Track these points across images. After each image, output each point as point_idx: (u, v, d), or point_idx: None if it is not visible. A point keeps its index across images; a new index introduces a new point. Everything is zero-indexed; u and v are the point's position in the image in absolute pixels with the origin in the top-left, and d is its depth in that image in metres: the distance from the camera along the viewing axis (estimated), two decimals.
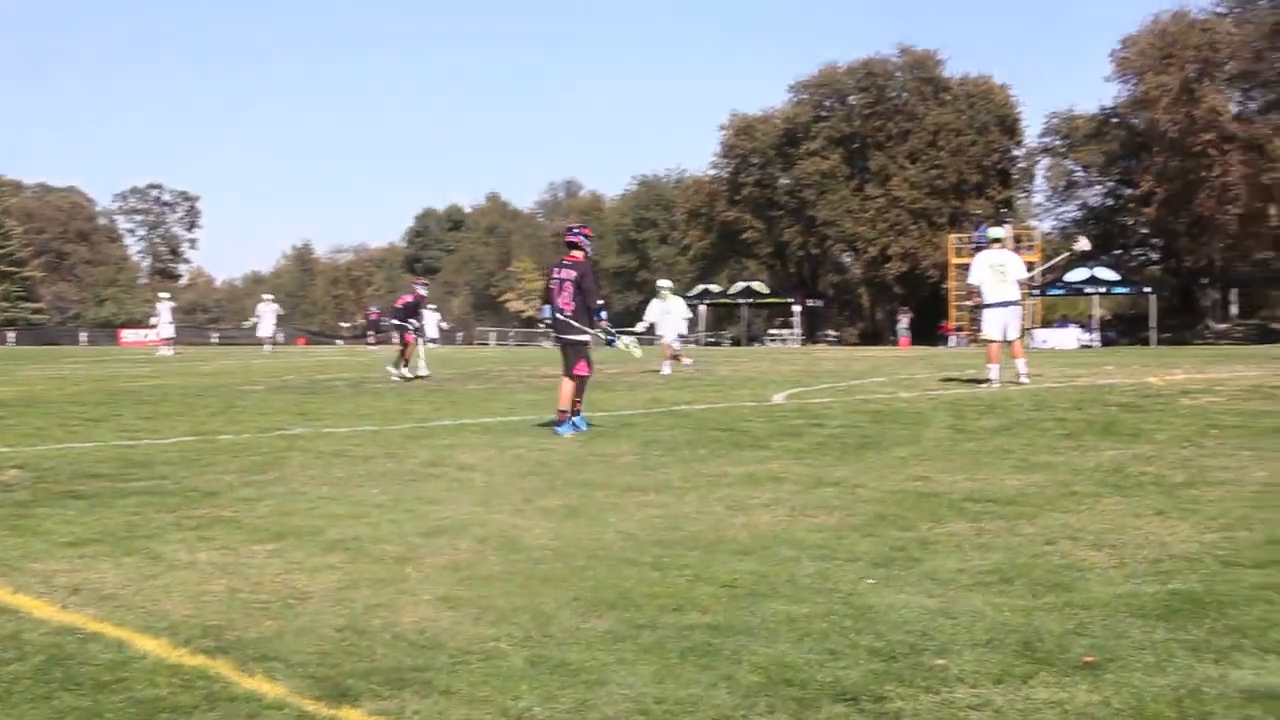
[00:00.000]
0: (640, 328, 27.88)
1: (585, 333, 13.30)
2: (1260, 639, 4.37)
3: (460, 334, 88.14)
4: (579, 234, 13.70)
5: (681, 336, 28.56)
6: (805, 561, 5.94)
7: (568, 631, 4.78)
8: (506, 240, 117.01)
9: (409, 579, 5.76)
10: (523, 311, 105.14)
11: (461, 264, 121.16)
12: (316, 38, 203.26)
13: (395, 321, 26.71)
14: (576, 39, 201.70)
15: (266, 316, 49.99)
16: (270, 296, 53.64)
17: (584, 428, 12.81)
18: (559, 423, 12.84)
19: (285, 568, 6.03)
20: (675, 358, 27.06)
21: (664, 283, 29.36)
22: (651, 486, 8.61)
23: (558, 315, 13.27)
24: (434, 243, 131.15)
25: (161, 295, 55.20)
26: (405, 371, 25.42)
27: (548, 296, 13.43)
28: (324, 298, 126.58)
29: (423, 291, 27.95)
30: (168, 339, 49.64)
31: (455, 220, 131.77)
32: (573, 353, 13.27)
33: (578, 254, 13.45)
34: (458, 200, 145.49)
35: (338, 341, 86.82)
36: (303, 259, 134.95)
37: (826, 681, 4.06)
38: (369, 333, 63.30)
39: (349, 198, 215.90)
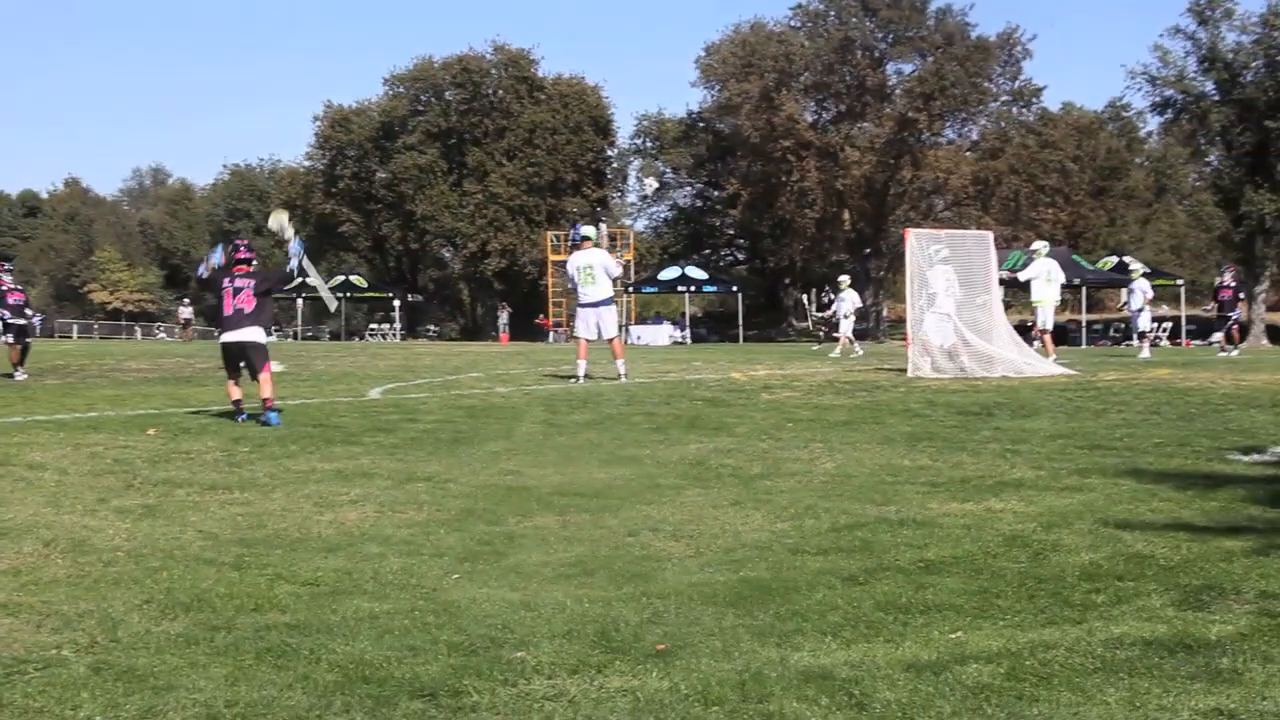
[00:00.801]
0: None
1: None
2: (819, 622, 4.60)
3: (39, 326, 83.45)
4: (247, 250, 13.76)
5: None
6: (391, 558, 5.89)
7: (137, 636, 4.57)
8: (89, 229, 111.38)
9: None
10: (108, 303, 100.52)
11: (39, 252, 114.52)
12: None
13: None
14: (164, 15, 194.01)
15: None
16: None
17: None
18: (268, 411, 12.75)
19: None
20: None
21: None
22: (237, 484, 8.37)
23: (242, 313, 13.15)
24: (7, 229, 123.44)
25: None
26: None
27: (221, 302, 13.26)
28: None
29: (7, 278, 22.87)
30: None
31: (30, 206, 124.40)
32: (260, 352, 13.32)
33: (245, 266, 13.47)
34: (32, 185, 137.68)
35: None
36: None
37: (405, 678, 4.03)
38: None
39: None
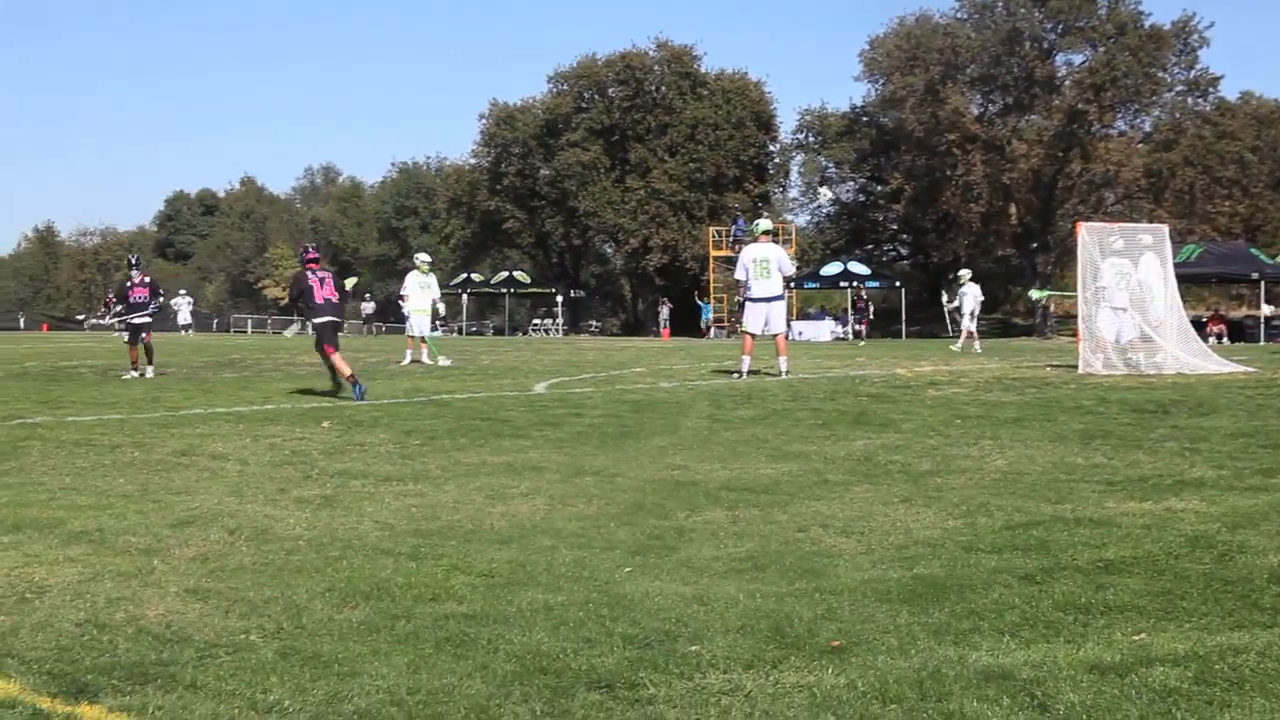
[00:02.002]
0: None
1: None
2: (997, 621, 4.53)
3: (216, 321, 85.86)
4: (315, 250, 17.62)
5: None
6: (563, 550, 5.95)
7: (321, 623, 4.69)
8: (263, 226, 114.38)
9: (156, 571, 5.58)
10: (280, 299, 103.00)
11: (216, 249, 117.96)
12: (47, 11, 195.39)
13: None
14: (333, 18, 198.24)
15: (183, 308, 50.36)
16: None
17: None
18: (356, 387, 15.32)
19: (21, 560, 5.78)
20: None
21: (422, 256, 28.48)
22: (410, 476, 8.52)
23: (331, 302, 16.65)
24: (186, 227, 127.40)
25: None
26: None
27: (312, 294, 16.52)
28: (69, 282, 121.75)
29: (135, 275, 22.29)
30: None
31: (208, 205, 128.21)
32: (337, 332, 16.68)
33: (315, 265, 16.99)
34: (210, 184, 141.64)
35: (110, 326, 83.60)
36: (45, 241, 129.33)
37: (581, 669, 4.07)
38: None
39: (93, 179, 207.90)
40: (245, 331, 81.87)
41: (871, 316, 58.35)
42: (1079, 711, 3.58)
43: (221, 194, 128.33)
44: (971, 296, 34.49)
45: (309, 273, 16.82)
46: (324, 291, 16.62)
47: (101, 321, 63.48)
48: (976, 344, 33.62)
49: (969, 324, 33.97)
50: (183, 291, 59.55)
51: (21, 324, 60.94)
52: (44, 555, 5.89)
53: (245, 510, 7.16)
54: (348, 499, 7.57)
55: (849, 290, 58.71)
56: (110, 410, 13.74)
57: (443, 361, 24.45)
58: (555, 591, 5.14)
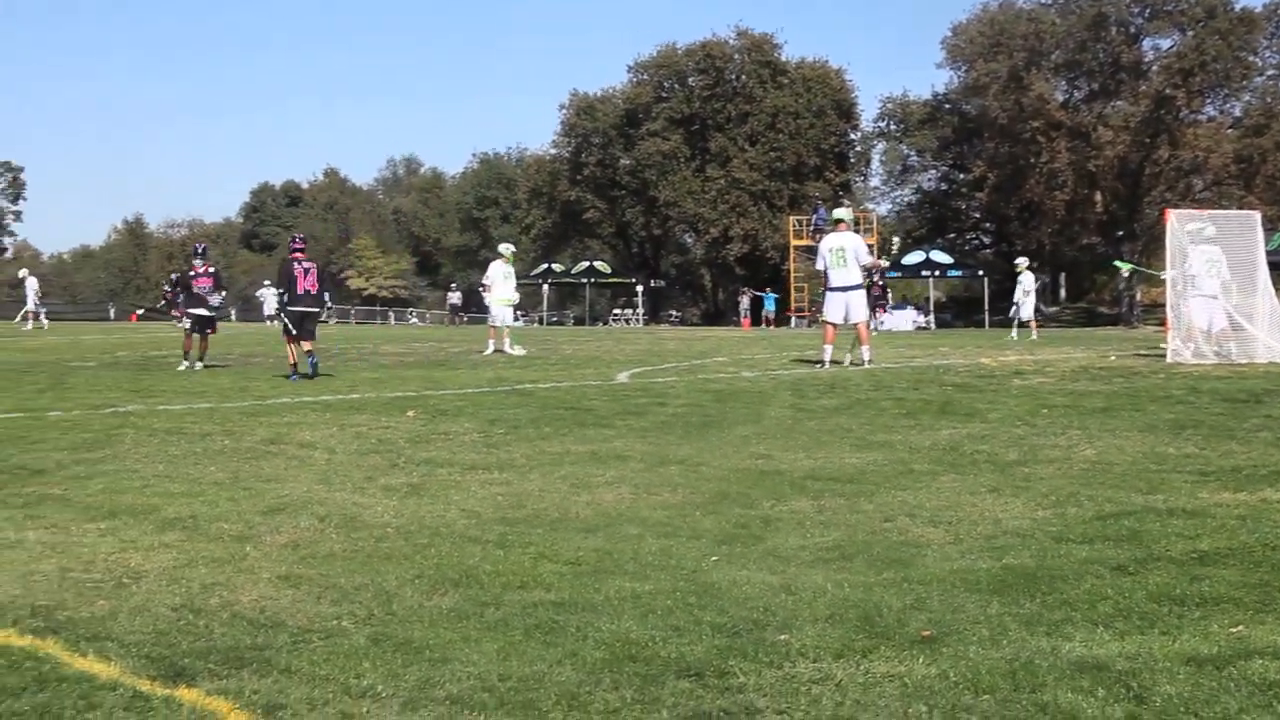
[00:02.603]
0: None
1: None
2: (1090, 612, 4.49)
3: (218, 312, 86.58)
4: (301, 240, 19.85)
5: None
6: (649, 539, 5.96)
7: (411, 609, 4.73)
8: (346, 217, 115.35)
9: (248, 557, 5.66)
10: (363, 289, 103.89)
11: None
12: (146, 5, 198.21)
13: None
14: (415, 9, 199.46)
15: (269, 299, 53.35)
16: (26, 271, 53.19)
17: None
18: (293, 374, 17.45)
19: (118, 546, 5.88)
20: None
21: (507, 246, 28.38)
22: (495, 465, 8.57)
23: (310, 294, 18.49)
24: (271, 219, 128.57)
25: (23, 272, 53.79)
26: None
27: (295, 284, 18.38)
28: (158, 273, 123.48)
29: (198, 263, 21.56)
30: (36, 312, 47.97)
31: (293, 196, 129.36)
32: (315, 322, 19.02)
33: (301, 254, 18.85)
34: (295, 176, 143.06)
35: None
36: (135, 233, 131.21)
37: (671, 657, 4.08)
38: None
39: (181, 171, 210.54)
40: (327, 321, 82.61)
41: (888, 305, 51.58)
42: (1176, 704, 3.53)
43: (305, 185, 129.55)
44: (1025, 286, 34.48)
45: (295, 262, 18.58)
46: (306, 282, 18.34)
47: (157, 308, 63.98)
48: (1034, 332, 33.42)
49: (1025, 313, 33.93)
50: (268, 283, 60.17)
51: (112, 314, 61.86)
52: (140, 541, 6.00)
53: (334, 498, 7.24)
54: (434, 487, 7.63)
55: (930, 279, 58.15)
56: (199, 399, 13.93)
57: (517, 351, 24.48)
58: (642, 580, 5.15)
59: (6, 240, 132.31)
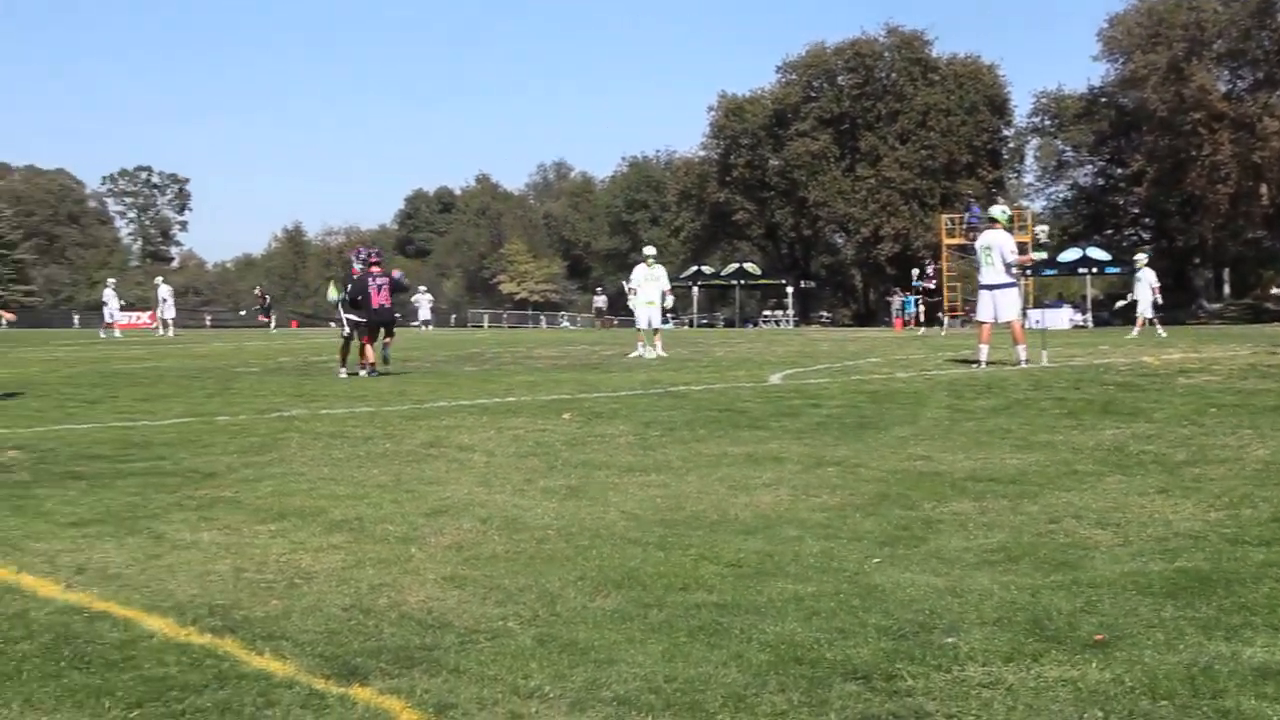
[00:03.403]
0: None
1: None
2: (1270, 616, 4.36)
3: (454, 316, 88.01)
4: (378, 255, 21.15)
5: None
6: (809, 541, 5.93)
7: (575, 610, 4.77)
8: (498, 222, 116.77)
9: (413, 559, 5.75)
10: (515, 294, 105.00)
11: (453, 246, 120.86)
12: (302, 18, 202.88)
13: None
14: (565, 19, 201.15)
15: (423, 304, 56.54)
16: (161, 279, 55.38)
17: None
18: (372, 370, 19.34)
19: (289, 547, 6.02)
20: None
21: (649, 249, 28.38)
22: (652, 466, 8.60)
23: (385, 308, 20.05)
24: (425, 225, 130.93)
25: (158, 280, 55.87)
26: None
27: (370, 299, 19.74)
28: (316, 279, 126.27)
29: (358, 267, 21.27)
30: (169, 320, 49.70)
31: (445, 202, 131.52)
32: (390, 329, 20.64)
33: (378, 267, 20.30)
34: (447, 182, 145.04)
35: (331, 324, 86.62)
36: (294, 241, 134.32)
37: (837, 660, 4.06)
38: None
39: (339, 180, 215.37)
40: (482, 326, 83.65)
41: (935, 303, 46.60)
42: None
43: (458, 191, 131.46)
44: (1146, 283, 33.77)
45: (370, 277, 19.91)
46: (380, 297, 19.84)
47: (257, 310, 64.98)
48: (1159, 329, 32.66)
49: (1146, 310, 33.24)
50: (423, 288, 61.44)
51: (273, 322, 63.50)
52: (308, 542, 6.13)
53: (494, 500, 7.32)
54: (593, 489, 7.68)
55: (1087, 276, 57.03)
56: (360, 403, 14.19)
57: (649, 354, 24.47)
58: (804, 582, 5.13)
59: (174, 250, 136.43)
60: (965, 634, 4.29)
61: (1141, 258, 35.85)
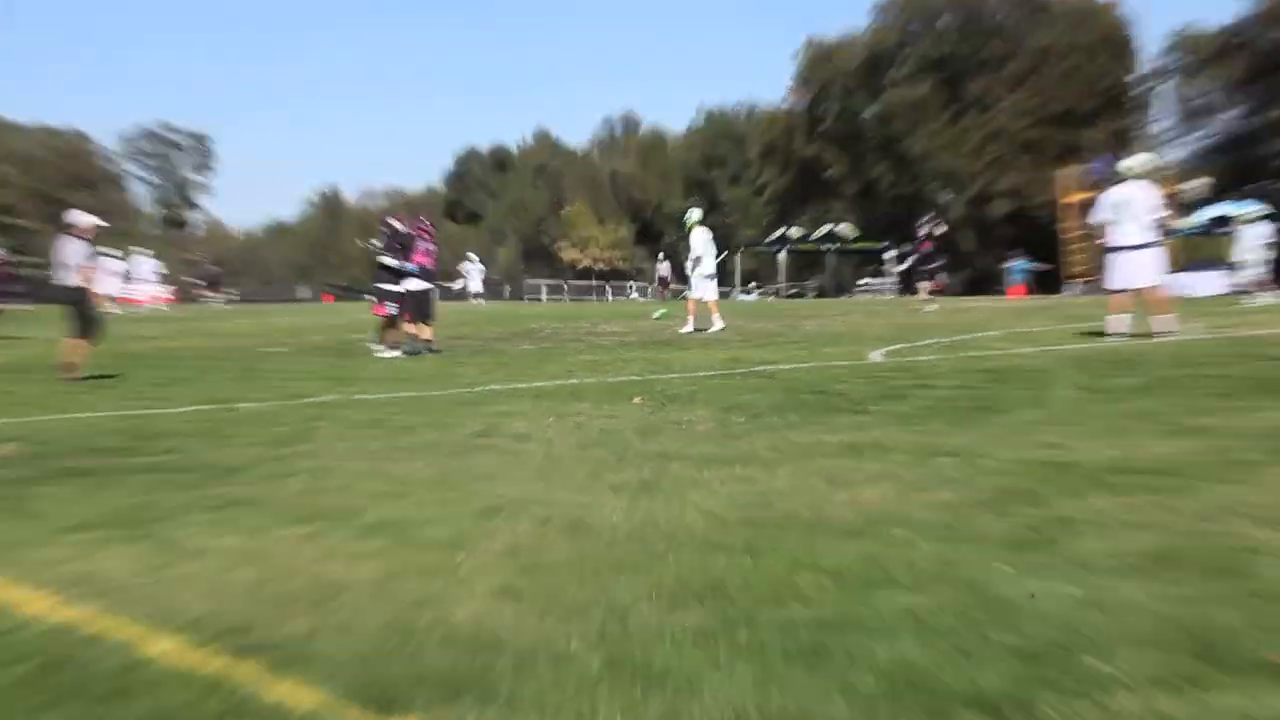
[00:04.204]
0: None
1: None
2: None
3: (508, 287, 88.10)
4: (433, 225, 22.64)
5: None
6: (922, 544, 5.75)
7: (649, 628, 4.62)
8: (558, 182, 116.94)
9: (461, 567, 5.62)
10: (577, 262, 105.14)
11: (508, 210, 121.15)
12: None
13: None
14: None
15: (474, 275, 58.87)
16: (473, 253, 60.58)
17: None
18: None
19: (319, 555, 5.92)
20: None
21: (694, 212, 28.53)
22: (736, 458, 8.44)
23: (429, 271, 21.22)
24: (477, 186, 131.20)
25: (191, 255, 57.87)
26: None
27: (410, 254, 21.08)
28: (352, 248, 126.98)
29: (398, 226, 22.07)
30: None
31: (500, 161, 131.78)
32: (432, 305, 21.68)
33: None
34: (503, 139, 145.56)
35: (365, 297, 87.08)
36: (331, 206, 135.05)
37: (960, 686, 3.89)
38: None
39: (378, 137, 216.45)
40: (540, 298, 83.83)
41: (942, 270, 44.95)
42: None
43: (514, 149, 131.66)
44: (1252, 236, 32.75)
45: (424, 240, 21.29)
46: (424, 259, 21.08)
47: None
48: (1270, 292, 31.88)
49: (1251, 273, 32.25)
50: (473, 256, 61.40)
51: (307, 294, 64.01)
52: (341, 549, 6.02)
53: (555, 498, 7.19)
54: (668, 485, 7.52)
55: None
56: (402, 387, 14.16)
57: (687, 328, 24.75)
58: (918, 593, 4.95)
59: (197, 215, 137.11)
60: (1112, 655, 4.11)
61: (1251, 208, 34.73)
